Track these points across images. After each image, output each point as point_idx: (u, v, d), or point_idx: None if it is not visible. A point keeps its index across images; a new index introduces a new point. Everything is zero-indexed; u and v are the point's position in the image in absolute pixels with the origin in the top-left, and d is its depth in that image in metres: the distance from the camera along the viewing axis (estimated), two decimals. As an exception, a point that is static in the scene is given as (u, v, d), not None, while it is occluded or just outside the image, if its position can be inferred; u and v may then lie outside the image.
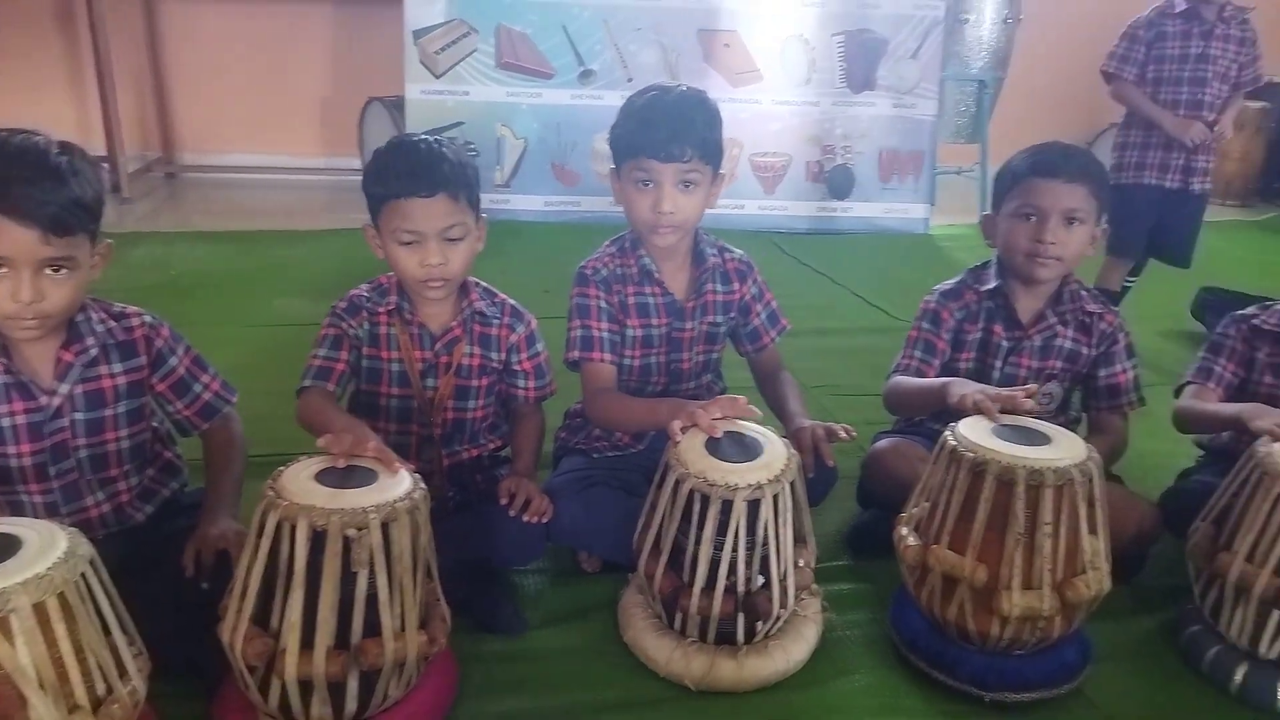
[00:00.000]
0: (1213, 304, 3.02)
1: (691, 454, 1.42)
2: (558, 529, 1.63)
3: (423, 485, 1.28)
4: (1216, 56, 2.84)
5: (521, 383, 1.74)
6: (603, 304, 1.76)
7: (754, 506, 1.37)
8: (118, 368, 1.46)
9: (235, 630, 1.19)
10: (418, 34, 4.37)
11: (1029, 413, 1.52)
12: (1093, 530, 1.41)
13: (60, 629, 1.01)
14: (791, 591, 1.44)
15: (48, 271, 1.31)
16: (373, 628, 1.20)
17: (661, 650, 1.47)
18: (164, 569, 1.39)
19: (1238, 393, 1.83)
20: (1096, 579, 1.39)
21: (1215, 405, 1.78)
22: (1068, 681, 1.47)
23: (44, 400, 1.40)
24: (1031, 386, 1.56)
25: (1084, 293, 1.86)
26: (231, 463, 1.56)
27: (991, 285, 1.85)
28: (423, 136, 1.61)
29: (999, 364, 1.85)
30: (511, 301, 1.75)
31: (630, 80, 4.39)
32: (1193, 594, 1.58)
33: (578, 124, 4.46)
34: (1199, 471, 1.91)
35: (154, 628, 1.17)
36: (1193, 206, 2.98)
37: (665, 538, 1.44)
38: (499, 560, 1.65)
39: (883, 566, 1.69)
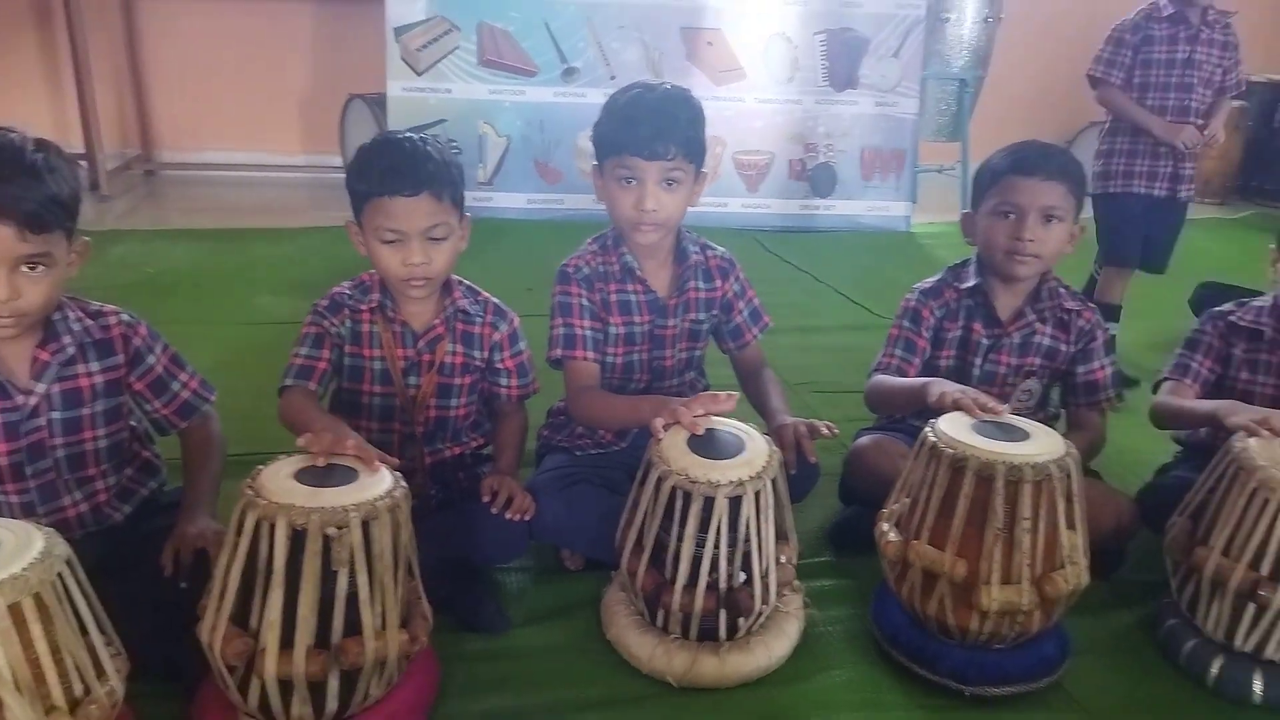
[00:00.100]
0: (1210, 299, 2.84)
1: (674, 451, 1.42)
2: (540, 527, 1.63)
3: (404, 483, 1.28)
4: (1202, 61, 2.76)
5: (504, 381, 1.74)
6: (585, 302, 1.76)
7: (736, 503, 1.37)
8: (95, 366, 1.45)
9: (214, 630, 1.18)
10: (399, 31, 4.35)
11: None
12: (1071, 525, 1.42)
13: (36, 630, 1.00)
14: (773, 588, 1.45)
15: (24, 269, 1.30)
16: (353, 627, 1.19)
17: (644, 647, 1.48)
18: (142, 569, 1.38)
19: (1215, 388, 1.85)
20: (1075, 573, 1.41)
21: (1192, 402, 1.80)
22: (1047, 675, 1.48)
23: (20, 400, 1.39)
24: (1006, 407, 1.55)
25: (1062, 290, 1.87)
26: (210, 461, 1.55)
27: (971, 283, 1.86)
28: (407, 134, 1.60)
29: (979, 361, 1.86)
30: (494, 300, 1.74)
31: (613, 78, 4.39)
32: (1170, 588, 1.59)
33: (560, 122, 4.46)
34: (1176, 467, 1.93)
35: (132, 628, 1.17)
36: (1178, 214, 2.91)
37: (647, 535, 1.44)
38: (481, 558, 1.65)
39: (864, 562, 1.70)
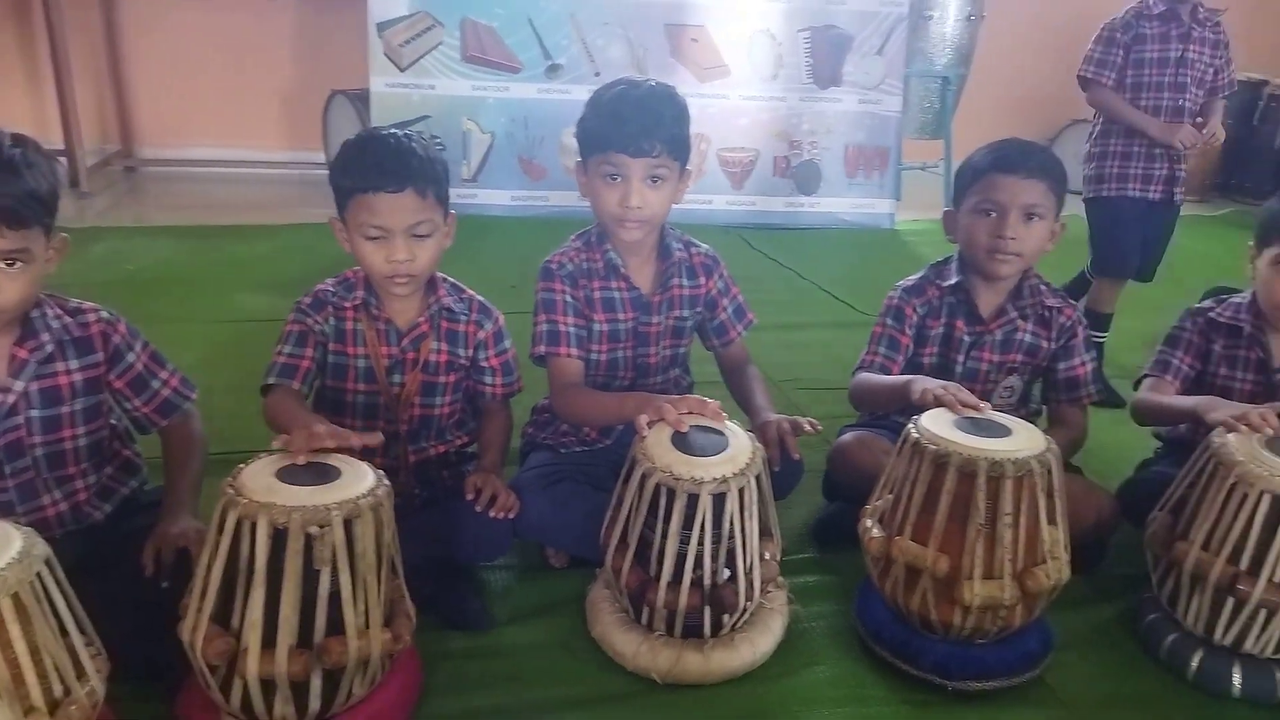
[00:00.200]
0: None
1: (658, 448, 1.42)
2: (524, 524, 1.63)
3: (386, 481, 1.27)
4: (1194, 60, 2.66)
5: (489, 379, 1.73)
6: (568, 298, 1.76)
7: (720, 500, 1.38)
8: (74, 364, 1.44)
9: (196, 630, 1.17)
10: (382, 26, 4.33)
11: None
12: (1052, 520, 1.43)
13: (15, 630, 0.99)
14: (757, 584, 1.45)
15: (1, 265, 1.29)
16: (336, 626, 1.19)
17: (629, 644, 1.48)
18: (123, 568, 1.37)
19: (1194, 384, 1.87)
20: (1056, 568, 1.42)
21: (1172, 398, 1.82)
22: (1029, 670, 1.49)
23: (-2, 397, 1.37)
24: (986, 405, 1.55)
25: (1043, 287, 1.88)
26: (191, 460, 1.54)
27: (953, 281, 1.87)
28: (392, 130, 1.59)
29: (961, 358, 1.87)
30: (479, 298, 1.74)
31: (598, 75, 4.38)
32: (1151, 583, 1.61)
33: (545, 118, 4.44)
34: (1157, 462, 1.95)
35: (113, 628, 1.16)
36: (1172, 218, 2.80)
37: (632, 532, 1.44)
38: (465, 556, 1.64)
39: (848, 558, 1.71)
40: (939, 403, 1.54)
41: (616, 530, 1.47)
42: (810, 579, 1.75)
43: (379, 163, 1.52)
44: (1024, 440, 1.43)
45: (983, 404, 1.54)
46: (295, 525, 1.15)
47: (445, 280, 1.70)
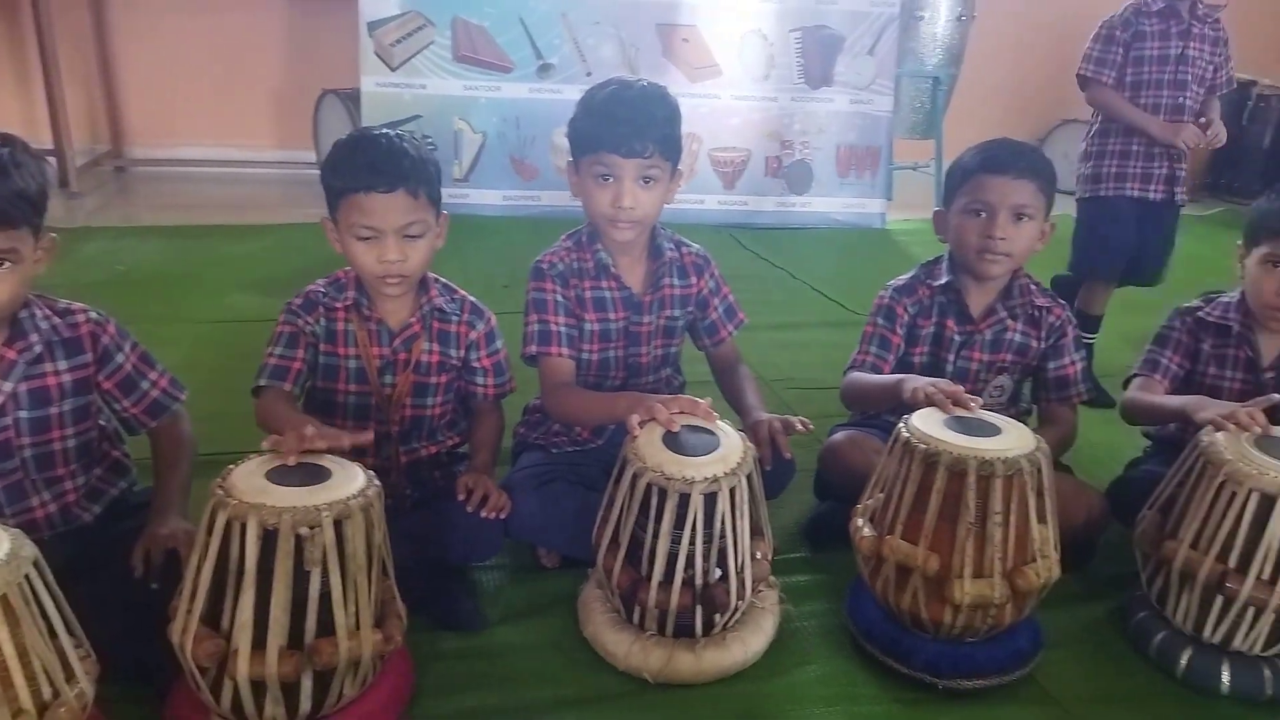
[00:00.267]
0: None
1: (649, 448, 1.42)
2: (516, 525, 1.63)
3: (377, 482, 1.27)
4: (1194, 58, 2.61)
5: (480, 380, 1.73)
6: (559, 298, 1.76)
7: (711, 500, 1.38)
8: (63, 365, 1.43)
9: (185, 631, 1.17)
10: (373, 26, 4.31)
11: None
12: (1042, 519, 1.43)
13: (3, 633, 0.99)
14: (749, 583, 1.45)
15: (-11, 266, 1.28)
16: (327, 627, 1.18)
17: (620, 644, 1.48)
18: (112, 569, 1.36)
19: (1183, 384, 1.87)
20: (1046, 567, 1.42)
21: (1162, 397, 1.82)
22: (1019, 668, 1.49)
23: (-14, 399, 1.37)
24: (978, 401, 1.56)
25: (1033, 287, 1.89)
26: (180, 461, 1.54)
27: (943, 280, 1.87)
28: (384, 130, 1.58)
29: (951, 358, 1.88)
30: (471, 298, 1.74)
31: (589, 74, 4.37)
32: (1140, 581, 1.61)
33: (536, 118, 4.44)
34: (1146, 461, 1.95)
35: (102, 629, 1.16)
36: (1173, 218, 2.75)
37: (623, 532, 1.44)
38: (457, 557, 1.64)
39: (839, 557, 1.71)
40: (930, 402, 1.55)
41: (608, 530, 1.47)
42: (802, 578, 1.75)
43: (370, 163, 1.51)
44: (1014, 439, 1.44)
45: (974, 399, 1.54)
46: (285, 526, 1.14)
47: (437, 280, 1.70)
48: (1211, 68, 2.66)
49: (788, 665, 1.53)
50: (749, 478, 1.43)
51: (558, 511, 1.66)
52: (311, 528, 1.15)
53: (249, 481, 1.21)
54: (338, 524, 1.18)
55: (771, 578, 1.57)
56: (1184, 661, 1.52)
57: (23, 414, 1.40)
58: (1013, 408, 1.90)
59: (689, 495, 1.36)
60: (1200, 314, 1.87)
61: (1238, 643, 1.47)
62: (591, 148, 1.67)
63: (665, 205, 1.75)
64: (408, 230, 1.54)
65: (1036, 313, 1.87)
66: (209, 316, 3.01)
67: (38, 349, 1.40)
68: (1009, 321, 1.86)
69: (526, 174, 4.53)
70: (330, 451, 1.29)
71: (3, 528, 1.06)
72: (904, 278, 1.93)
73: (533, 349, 1.75)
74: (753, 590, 1.47)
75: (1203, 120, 2.67)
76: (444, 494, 1.64)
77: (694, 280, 1.86)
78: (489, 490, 1.59)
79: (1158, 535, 1.55)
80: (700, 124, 4.49)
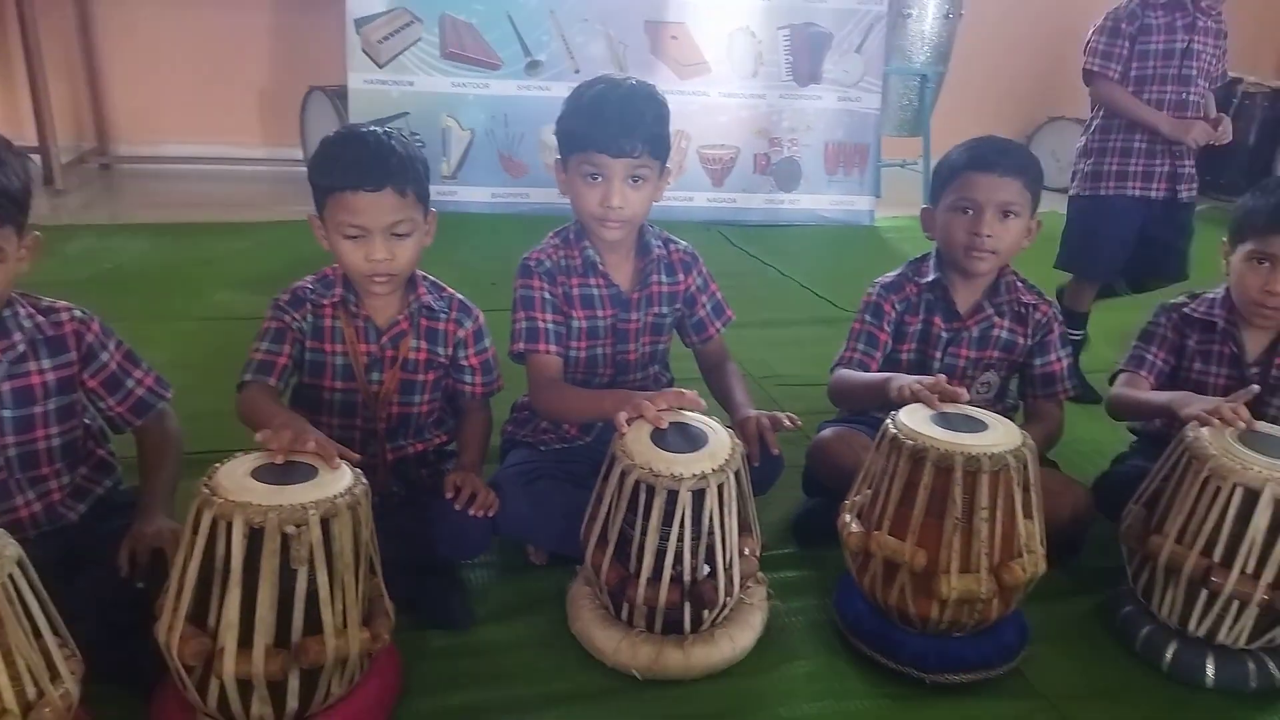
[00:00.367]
0: None
1: (637, 445, 1.42)
2: (504, 522, 1.63)
3: (364, 480, 1.27)
4: (1199, 52, 2.53)
5: (468, 378, 1.73)
6: (547, 295, 1.75)
7: (699, 496, 1.38)
8: (47, 364, 1.42)
9: (171, 630, 1.16)
10: (360, 22, 4.30)
11: (968, 402, 1.55)
12: (1028, 514, 1.44)
13: (-13, 632, 0.98)
14: (737, 580, 1.45)
15: (-29, 264, 1.28)
16: (314, 625, 1.18)
17: (609, 641, 1.48)
18: (98, 569, 1.36)
19: (1169, 379, 1.88)
20: (1032, 561, 1.43)
21: (1147, 393, 1.83)
22: (1006, 662, 1.50)
23: (-31, 398, 1.36)
24: (966, 395, 1.57)
25: (1020, 284, 1.90)
26: (166, 460, 1.53)
27: (930, 277, 1.88)
28: (371, 128, 1.57)
29: (938, 355, 1.88)
30: (459, 296, 1.73)
31: (578, 71, 4.37)
32: (1126, 575, 1.63)
33: (525, 115, 4.43)
34: (1132, 456, 1.97)
35: (87, 629, 1.15)
36: (1183, 215, 2.67)
37: (612, 529, 1.44)
38: (445, 554, 1.64)
39: (827, 553, 1.72)
40: (916, 398, 1.55)
41: (596, 527, 1.47)
42: (790, 574, 1.75)
43: (357, 161, 1.51)
44: (1000, 435, 1.44)
45: (962, 392, 1.54)
46: (271, 524, 1.14)
47: (425, 278, 1.70)
48: (1214, 61, 2.60)
49: (776, 661, 1.53)
50: (737, 474, 1.43)
51: (546, 508, 1.66)
52: (298, 526, 1.15)
53: (235, 480, 1.20)
54: (325, 522, 1.17)
55: (760, 574, 1.57)
56: (1169, 655, 1.53)
57: (6, 413, 1.39)
58: (999, 404, 1.91)
59: (677, 492, 1.36)
60: (1185, 310, 1.88)
61: (1222, 636, 1.48)
62: (580, 147, 1.67)
63: (654, 203, 1.75)
64: (395, 229, 1.54)
65: (1023, 309, 1.88)
66: (195, 314, 2.99)
67: (21, 348, 1.39)
68: (996, 318, 1.87)
69: (515, 171, 4.52)
70: (318, 460, 1.29)
71: (-14, 527, 1.06)
72: (891, 275, 1.94)
73: (520, 346, 1.75)
74: (741, 586, 1.48)
75: (1215, 116, 2.61)
76: (431, 492, 1.64)
77: (682, 277, 1.86)
78: (477, 488, 1.59)
79: (1143, 530, 1.56)
80: (689, 121, 4.50)
